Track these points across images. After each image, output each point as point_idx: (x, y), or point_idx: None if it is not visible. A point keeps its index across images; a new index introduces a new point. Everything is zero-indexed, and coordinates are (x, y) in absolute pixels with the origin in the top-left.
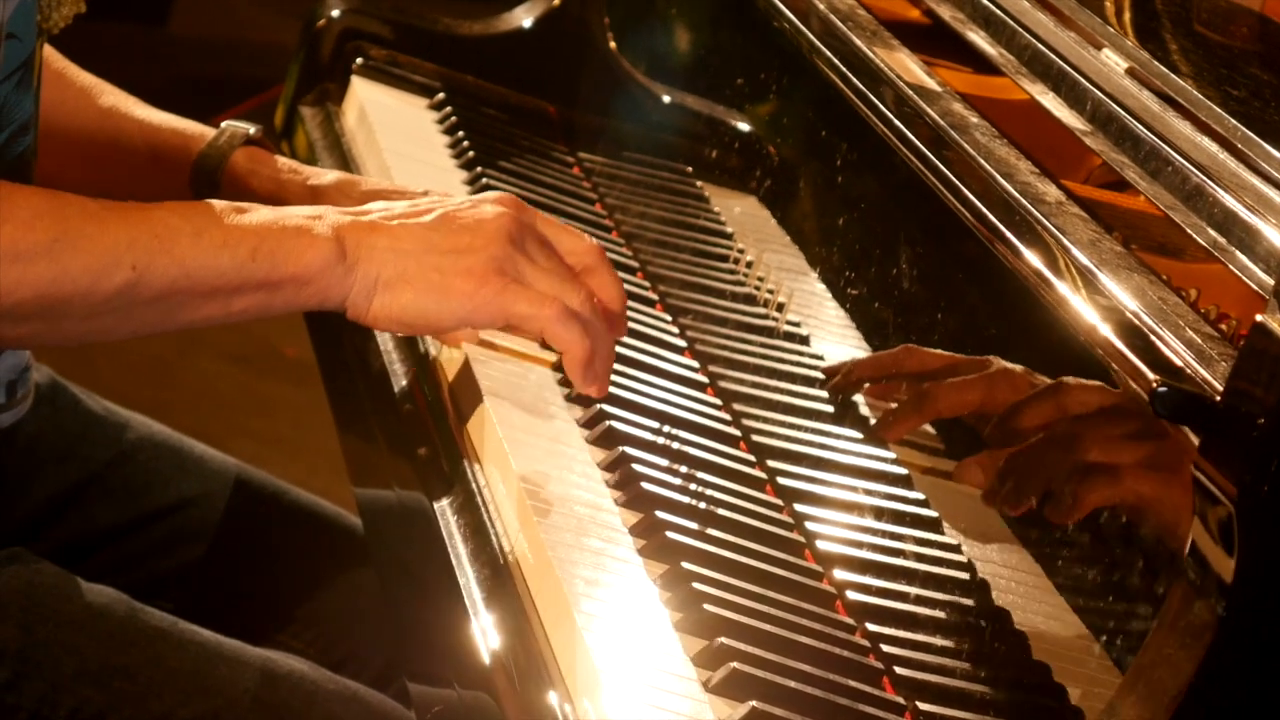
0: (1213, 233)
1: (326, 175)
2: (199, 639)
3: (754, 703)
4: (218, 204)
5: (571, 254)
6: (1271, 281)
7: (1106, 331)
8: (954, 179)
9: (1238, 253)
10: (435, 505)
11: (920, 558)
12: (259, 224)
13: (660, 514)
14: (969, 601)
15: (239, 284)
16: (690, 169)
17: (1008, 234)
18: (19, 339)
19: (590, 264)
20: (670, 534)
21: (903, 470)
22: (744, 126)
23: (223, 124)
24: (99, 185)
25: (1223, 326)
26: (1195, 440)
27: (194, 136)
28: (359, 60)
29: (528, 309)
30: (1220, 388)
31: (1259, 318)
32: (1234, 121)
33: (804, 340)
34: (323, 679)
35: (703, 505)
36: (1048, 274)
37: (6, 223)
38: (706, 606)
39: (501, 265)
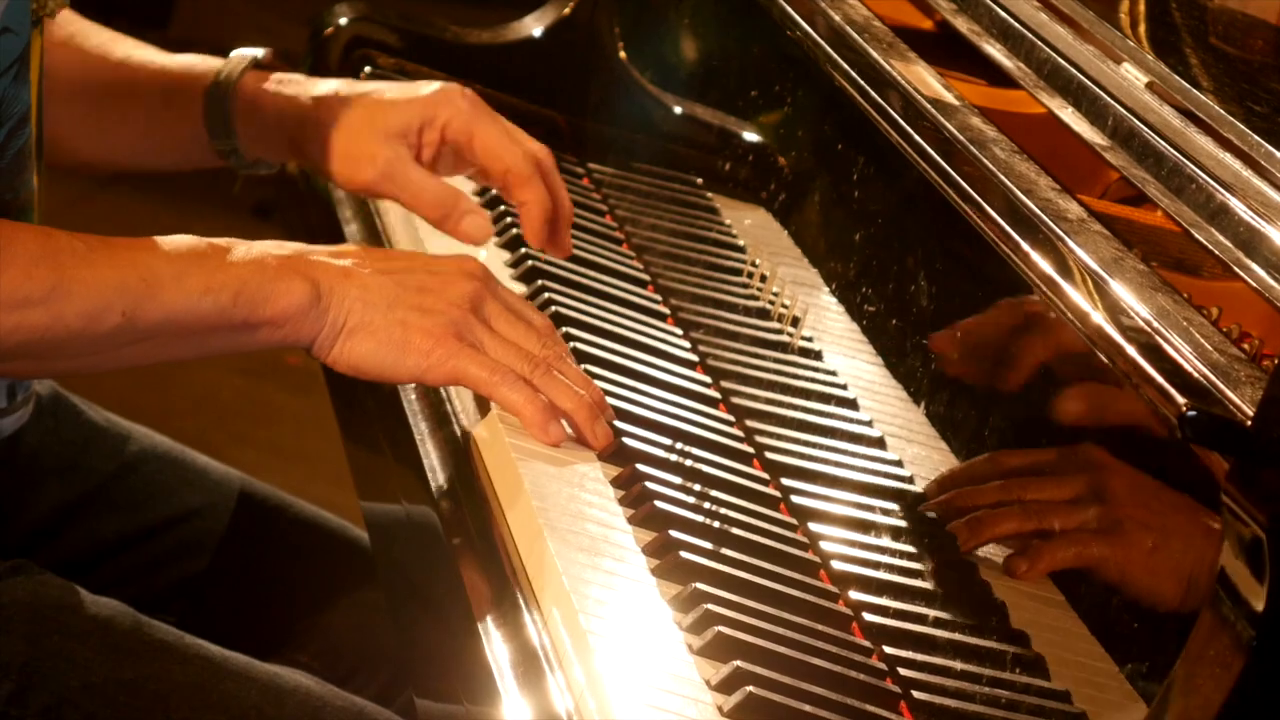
0: (1236, 251)
1: (320, 86)
2: (205, 653)
3: None
4: (201, 243)
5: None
6: None
7: (1131, 352)
8: (974, 194)
9: (1262, 272)
10: (443, 520)
11: (938, 579)
12: (240, 268)
13: (674, 533)
14: (988, 624)
15: (216, 325)
16: (701, 180)
17: (1030, 252)
18: (7, 373)
19: (545, 162)
20: (684, 554)
21: (918, 489)
22: (756, 138)
23: (232, 53)
24: (119, 136)
25: (1245, 346)
26: (1225, 465)
27: (203, 73)
28: (367, 69)
29: (478, 373)
30: (1248, 410)
31: None
32: (1257, 138)
33: (817, 355)
34: (329, 695)
35: (716, 524)
36: (1071, 293)
37: (6, 269)
38: (721, 629)
39: (459, 329)
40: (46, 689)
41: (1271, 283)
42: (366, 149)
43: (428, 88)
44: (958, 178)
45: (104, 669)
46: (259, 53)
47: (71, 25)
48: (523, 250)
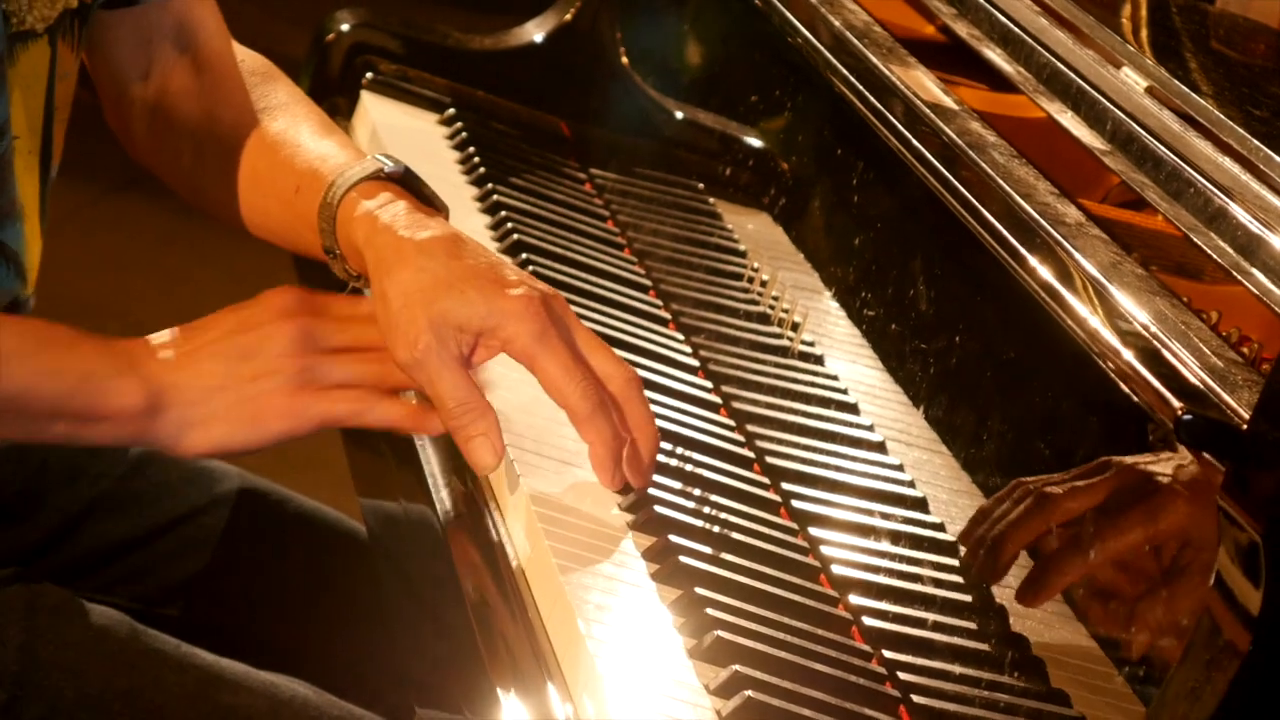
0: (1235, 255)
1: (424, 232)
2: (201, 662)
3: None
4: (58, 329)
5: (604, 378)
6: None
7: (1129, 357)
8: (973, 199)
9: (1262, 276)
10: (442, 521)
11: (937, 583)
12: (86, 361)
13: (674, 538)
14: (986, 628)
15: (55, 410)
16: (702, 185)
17: (1028, 256)
18: None
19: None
20: (684, 559)
21: (919, 494)
22: (757, 143)
23: (364, 158)
24: (260, 209)
25: (1244, 350)
26: (1220, 469)
27: (329, 171)
28: (369, 75)
29: (343, 410)
30: (1245, 414)
31: None
32: (1256, 142)
33: (819, 360)
34: (326, 704)
35: (716, 529)
36: (1069, 297)
37: None
38: (720, 633)
39: (304, 378)
40: (41, 699)
41: (1270, 286)
42: (413, 327)
43: (510, 291)
44: (955, 182)
45: (99, 679)
46: (387, 164)
47: (255, 77)
48: (523, 256)
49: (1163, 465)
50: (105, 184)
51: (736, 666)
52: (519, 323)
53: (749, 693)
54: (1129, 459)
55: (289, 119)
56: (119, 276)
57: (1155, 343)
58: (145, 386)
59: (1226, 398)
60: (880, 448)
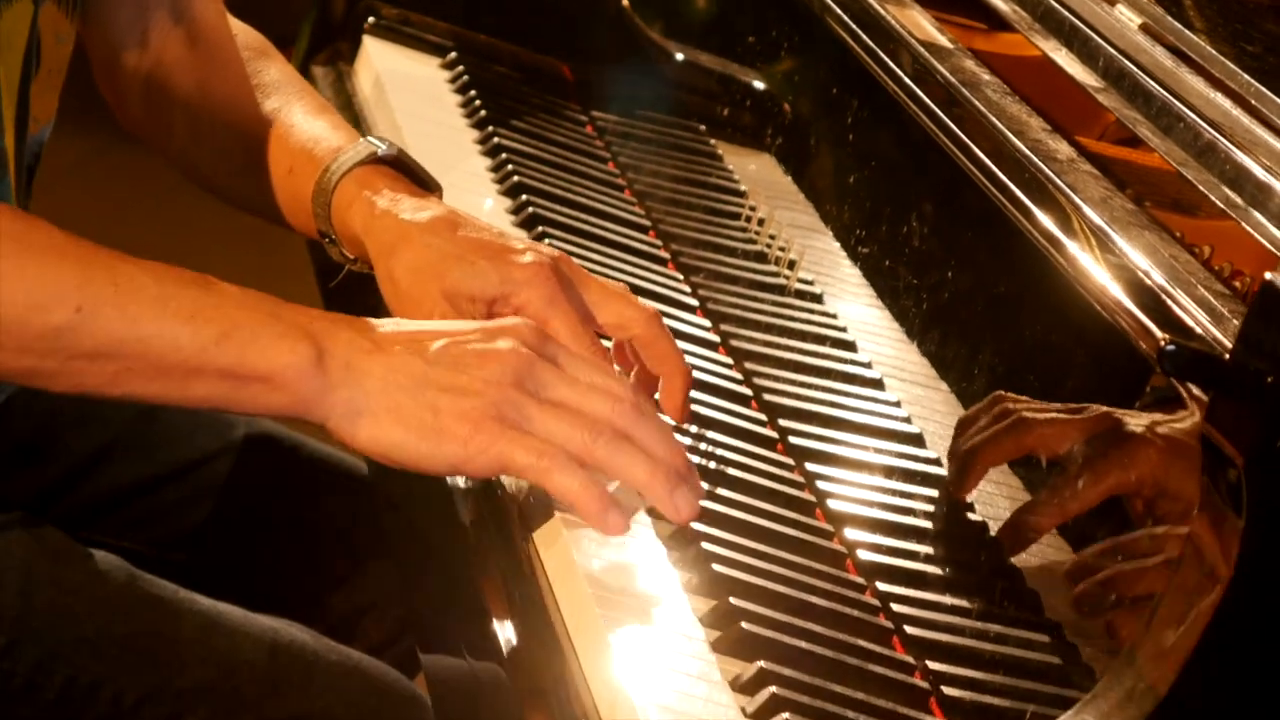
0: (1225, 189)
1: (423, 213)
2: (198, 608)
3: (762, 663)
4: (204, 277)
5: (624, 324)
6: None
7: (1116, 290)
8: (964, 136)
9: (1250, 209)
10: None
11: (931, 517)
12: (238, 310)
13: None
14: (981, 561)
15: (197, 367)
16: (704, 127)
17: (1017, 192)
18: None
19: (644, 334)
20: None
21: (915, 430)
22: (758, 84)
23: (356, 141)
24: (252, 187)
25: (1236, 284)
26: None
27: (323, 154)
28: (371, 19)
29: (525, 459)
30: (1231, 347)
31: (1268, 275)
32: (1248, 77)
33: (817, 298)
34: (324, 649)
35: (713, 465)
36: (1057, 232)
37: None
38: (715, 567)
39: (501, 411)
40: (37, 643)
41: (1260, 219)
42: (426, 300)
43: (518, 258)
44: (947, 120)
45: (96, 623)
46: (380, 147)
47: (247, 51)
48: (524, 197)
49: (1143, 418)
50: (108, 136)
51: (731, 599)
52: (530, 289)
53: (743, 624)
54: (1110, 409)
55: (282, 97)
56: (122, 230)
57: (1142, 275)
58: (317, 354)
59: (1213, 329)
60: (878, 384)
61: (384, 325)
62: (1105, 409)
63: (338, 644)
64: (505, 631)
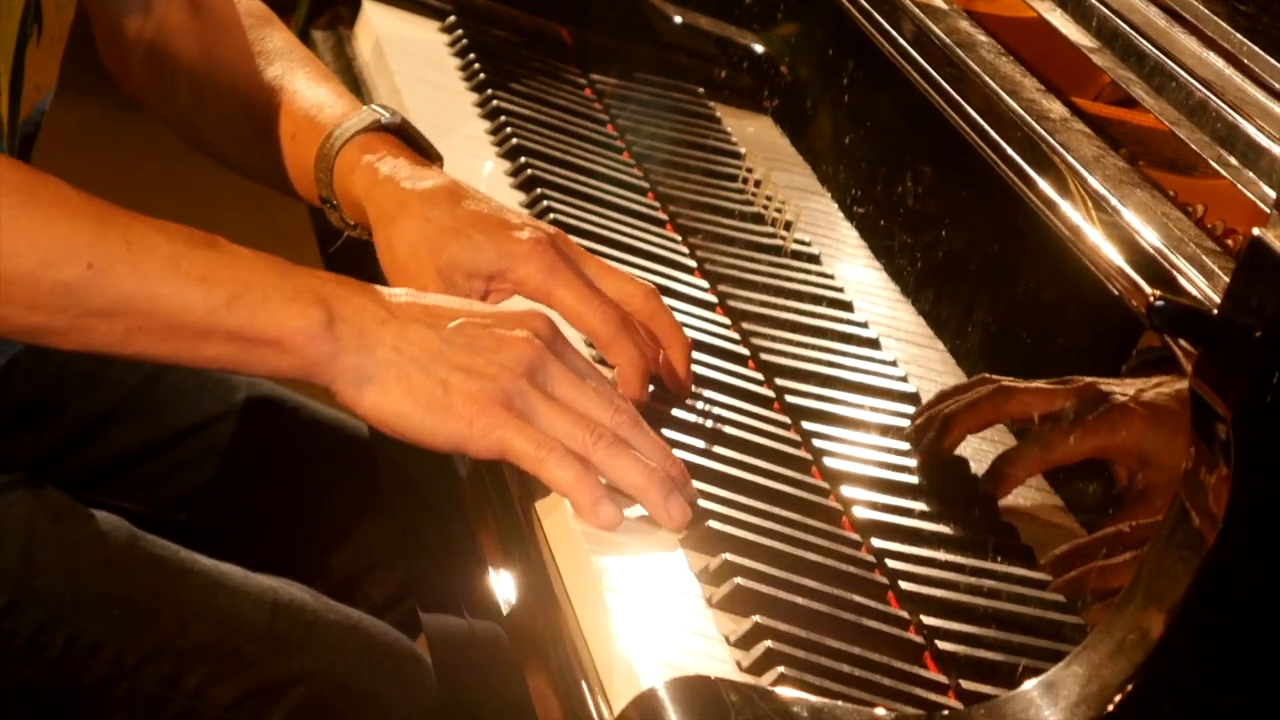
0: (1217, 147)
1: (424, 183)
2: (199, 568)
3: (758, 617)
4: (217, 239)
5: (623, 299)
6: (1273, 194)
7: (1107, 248)
8: (957, 96)
9: (1241, 167)
10: None
11: (927, 474)
12: (250, 271)
13: (666, 432)
14: (975, 518)
15: (208, 328)
16: (702, 90)
17: (1010, 151)
18: None
19: (643, 308)
20: (677, 451)
21: (912, 388)
22: (756, 47)
23: (360, 109)
24: (257, 152)
25: (1229, 242)
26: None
27: (325, 120)
28: None
29: (524, 448)
30: (1219, 301)
31: (1256, 231)
32: (1240, 37)
33: (814, 259)
34: (323, 609)
35: (709, 423)
36: (1049, 191)
37: None
38: (711, 523)
39: (509, 397)
40: (39, 603)
41: (1251, 177)
42: (422, 276)
43: (516, 233)
44: (940, 80)
45: (97, 585)
46: (384, 115)
47: (248, 18)
48: (523, 160)
49: (1128, 387)
50: (110, 103)
51: (727, 555)
52: (528, 263)
53: (738, 580)
54: (1095, 379)
55: (285, 64)
56: (127, 196)
57: (1133, 233)
58: (328, 318)
59: (1204, 286)
60: (874, 344)
61: (398, 295)
62: (1090, 380)
63: (338, 604)
64: (504, 589)
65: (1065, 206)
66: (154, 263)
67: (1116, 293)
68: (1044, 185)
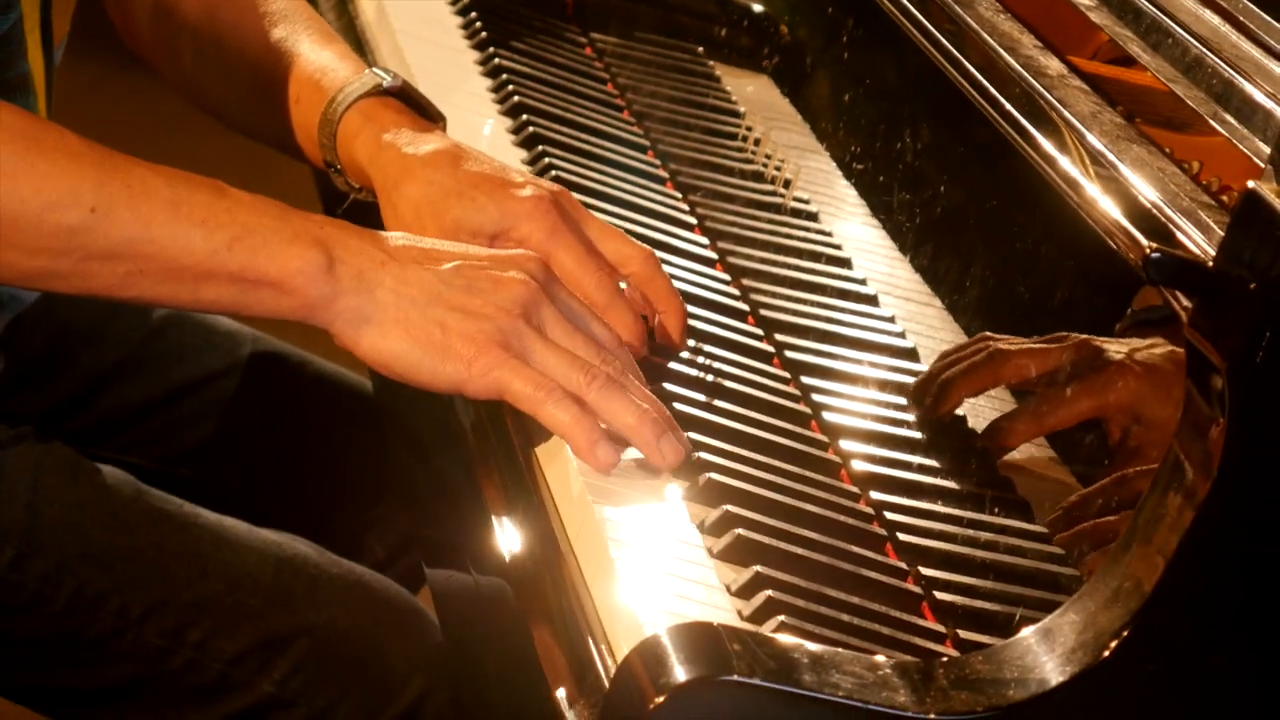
0: (1213, 103)
1: (426, 146)
2: (203, 522)
3: (758, 568)
4: (215, 182)
5: (622, 261)
6: (1268, 150)
7: (1105, 202)
8: (955, 51)
9: (1236, 123)
10: None
11: (924, 427)
12: (249, 214)
13: (667, 385)
14: (972, 470)
15: (209, 270)
16: (701, 49)
17: (1008, 106)
18: None
19: (641, 272)
20: (677, 405)
21: (909, 344)
22: (755, 6)
23: (362, 73)
24: (261, 114)
25: (1224, 199)
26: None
27: (329, 85)
28: None
29: (522, 388)
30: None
31: (1251, 184)
32: None
33: (813, 216)
34: (327, 563)
35: (710, 378)
36: (1047, 146)
37: None
38: (712, 475)
39: (507, 338)
40: (45, 556)
41: (1246, 133)
42: (427, 234)
43: (518, 192)
44: (939, 35)
45: (103, 537)
46: (385, 79)
47: (263, 1)
48: (524, 117)
49: (1121, 346)
50: (112, 62)
51: (728, 506)
52: (531, 222)
53: (739, 530)
54: (1089, 337)
55: (289, 26)
56: (131, 152)
57: (1130, 187)
58: (327, 260)
59: (1199, 238)
60: (873, 300)
61: (396, 239)
62: (1084, 337)
63: (341, 558)
64: (508, 541)
65: (1063, 161)
66: (155, 206)
67: (1114, 247)
68: (1042, 140)
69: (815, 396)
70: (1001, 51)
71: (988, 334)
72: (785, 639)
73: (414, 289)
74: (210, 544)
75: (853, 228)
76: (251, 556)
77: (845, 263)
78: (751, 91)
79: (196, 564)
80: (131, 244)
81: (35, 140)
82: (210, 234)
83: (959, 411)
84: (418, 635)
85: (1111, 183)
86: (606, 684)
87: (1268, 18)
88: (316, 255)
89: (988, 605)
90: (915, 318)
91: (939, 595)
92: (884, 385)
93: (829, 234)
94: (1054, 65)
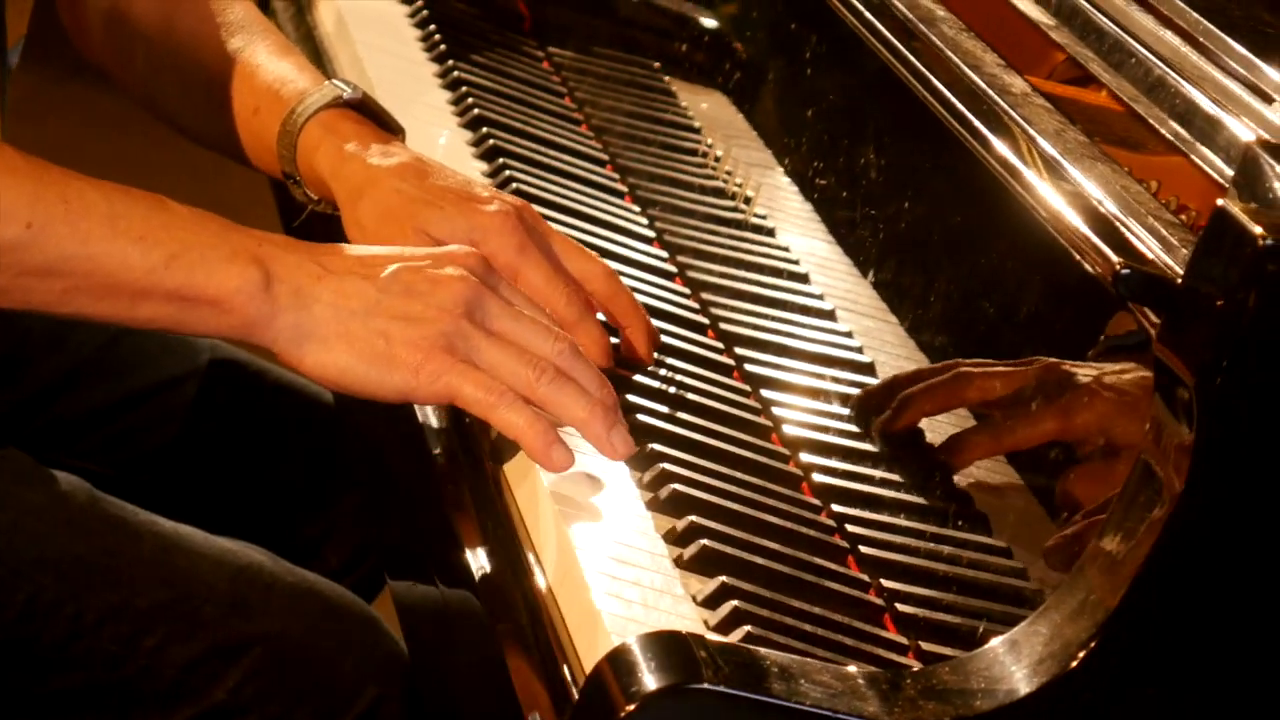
0: (1174, 124)
1: (390, 158)
2: (158, 529)
3: (724, 578)
4: (156, 197)
5: (585, 278)
6: (1230, 171)
7: (1072, 218)
8: (923, 69)
9: (1198, 143)
10: None
11: (885, 442)
12: (187, 231)
13: (631, 397)
14: (931, 484)
15: (146, 288)
16: (658, 65)
17: (976, 123)
18: None
19: (603, 289)
20: (640, 416)
21: (867, 359)
22: (710, 23)
23: (322, 84)
24: (218, 123)
25: (1182, 218)
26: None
27: (289, 95)
28: None
29: (472, 393)
30: (1181, 272)
31: (1220, 201)
32: (1196, 15)
33: (770, 233)
34: (282, 572)
35: (672, 390)
36: (1014, 161)
37: None
38: (677, 486)
39: (451, 341)
40: (0, 562)
41: (1208, 153)
42: (396, 241)
43: (485, 207)
44: (907, 53)
45: (57, 544)
46: (346, 91)
47: (219, 3)
48: (485, 130)
49: (1090, 369)
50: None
51: (693, 517)
52: (500, 237)
53: (705, 541)
54: (1058, 360)
55: (246, 36)
56: (76, 166)
57: (1096, 203)
58: (264, 277)
59: (1164, 256)
60: (830, 315)
61: (332, 250)
62: (1052, 361)
63: (296, 567)
64: (474, 553)
65: (1030, 175)
66: (92, 221)
67: (1082, 262)
68: (1010, 157)
69: (775, 410)
70: (966, 70)
71: (959, 360)
72: (754, 648)
73: (353, 300)
74: (165, 551)
75: (807, 243)
76: (206, 564)
77: (803, 278)
78: (707, 108)
79: (151, 571)
80: (68, 260)
81: None
82: (148, 251)
83: (919, 425)
84: (372, 645)
85: (1079, 199)
86: (576, 694)
87: (1230, 41)
88: (254, 273)
89: (949, 618)
90: (872, 334)
91: (900, 607)
92: (842, 399)
93: (786, 249)
94: (1018, 83)
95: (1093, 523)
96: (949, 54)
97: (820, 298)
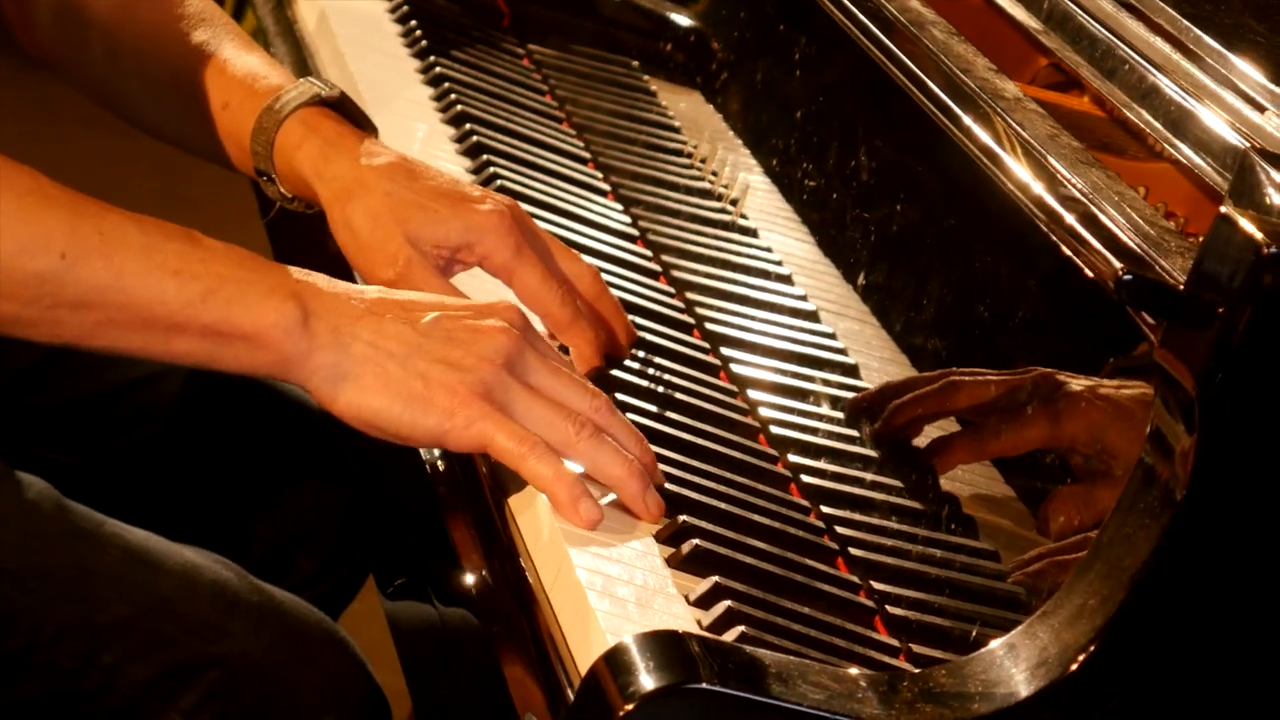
0: (1166, 131)
1: (376, 159)
2: (123, 541)
3: (717, 578)
4: (189, 231)
5: (573, 278)
6: (1222, 180)
7: (1071, 221)
8: (919, 72)
9: (1190, 151)
10: None
11: (870, 443)
12: (224, 266)
13: (621, 396)
14: (920, 487)
15: (181, 322)
16: (637, 63)
17: (972, 126)
18: None
19: (590, 289)
20: (630, 415)
21: (850, 360)
22: (688, 22)
23: (297, 82)
24: (180, 119)
25: (1170, 224)
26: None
27: (263, 91)
28: None
29: (505, 442)
30: (1179, 278)
31: (1224, 209)
32: (1186, 23)
33: (752, 233)
34: (246, 590)
35: (660, 390)
36: (1011, 165)
37: None
38: (667, 486)
39: (490, 389)
40: None
41: (1199, 160)
42: (389, 246)
43: (479, 206)
44: (902, 55)
45: (18, 555)
46: (323, 89)
47: (180, 4)
48: (468, 126)
49: (1085, 380)
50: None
51: (683, 517)
52: (496, 237)
53: (696, 541)
54: (1051, 370)
55: (210, 30)
56: (37, 162)
57: (1094, 208)
58: (302, 314)
59: (1161, 261)
60: (813, 317)
61: (370, 291)
62: (1045, 371)
63: (262, 583)
64: (469, 558)
65: (1027, 178)
66: (127, 254)
67: (1081, 266)
68: (1007, 159)
69: (762, 410)
70: (958, 73)
71: (952, 369)
72: (752, 649)
73: (392, 342)
74: (129, 566)
75: (787, 243)
76: (170, 580)
77: (787, 279)
78: (685, 107)
79: (114, 586)
80: (102, 292)
81: (8, 184)
82: (184, 285)
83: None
84: (332, 665)
85: (1075, 204)
86: (571, 694)
87: (1220, 48)
88: (292, 309)
89: (940, 621)
90: (855, 335)
91: (891, 610)
92: (827, 400)
93: (768, 249)
94: (1010, 88)
95: (1054, 562)
96: (941, 57)
97: (803, 299)
